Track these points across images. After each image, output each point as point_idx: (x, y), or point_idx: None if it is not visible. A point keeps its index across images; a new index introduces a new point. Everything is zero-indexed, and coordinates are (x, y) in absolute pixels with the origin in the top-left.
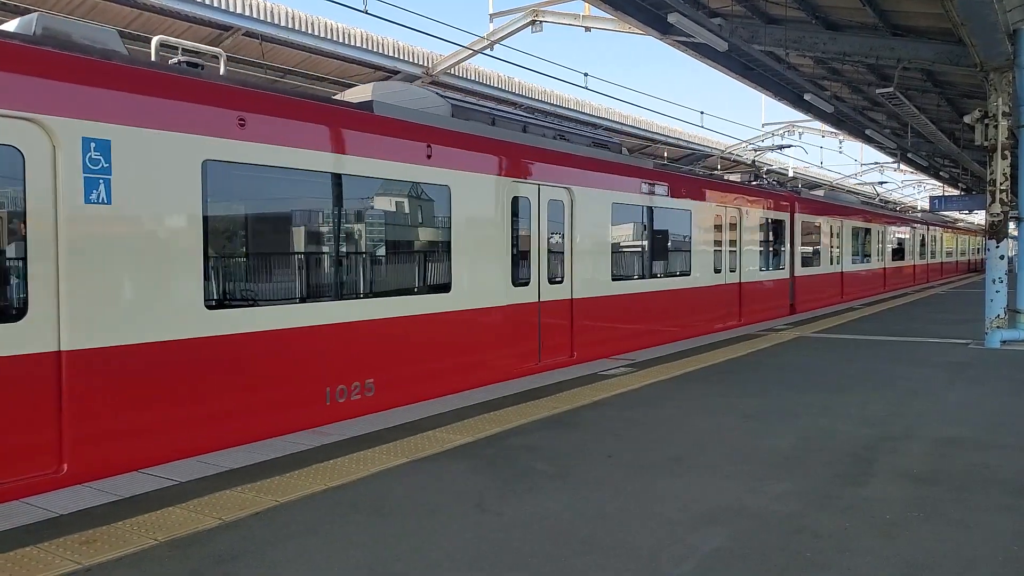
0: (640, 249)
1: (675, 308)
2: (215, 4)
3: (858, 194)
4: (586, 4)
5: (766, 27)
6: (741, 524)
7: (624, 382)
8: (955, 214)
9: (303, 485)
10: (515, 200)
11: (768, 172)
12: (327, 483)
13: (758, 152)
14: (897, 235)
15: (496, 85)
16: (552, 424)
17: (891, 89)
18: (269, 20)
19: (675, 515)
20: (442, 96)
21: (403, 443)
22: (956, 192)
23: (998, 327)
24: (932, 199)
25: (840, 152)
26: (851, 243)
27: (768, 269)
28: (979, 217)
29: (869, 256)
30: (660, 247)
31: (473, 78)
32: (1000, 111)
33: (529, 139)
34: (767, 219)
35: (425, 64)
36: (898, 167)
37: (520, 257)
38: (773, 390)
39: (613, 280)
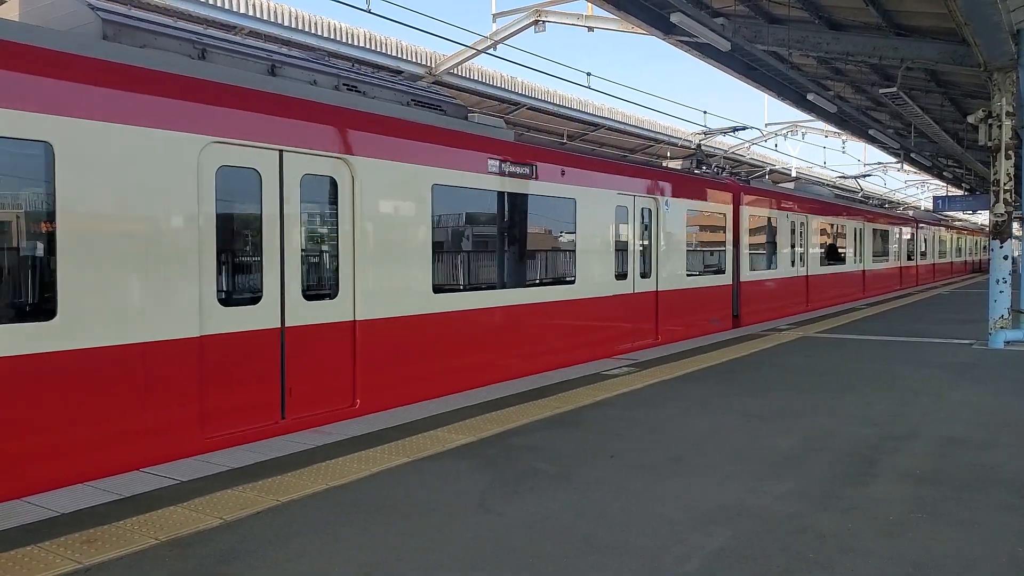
0: (490, 249)
1: (548, 326)
2: (219, 4)
3: (838, 188)
4: (589, 4)
5: (769, 27)
6: (743, 524)
7: (626, 382)
8: (954, 213)
9: (304, 484)
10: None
11: (727, 160)
12: (328, 482)
13: (706, 136)
14: (880, 234)
15: (499, 85)
16: (554, 424)
17: (894, 89)
18: (273, 20)
19: (677, 515)
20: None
21: (405, 443)
22: (960, 192)
23: (1002, 328)
24: (936, 199)
25: (843, 152)
26: (820, 242)
27: (701, 274)
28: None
29: (844, 257)
30: (523, 247)
31: (476, 78)
32: (1004, 111)
33: (285, 85)
34: (699, 212)
35: (428, 64)
36: (901, 167)
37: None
38: (775, 390)
39: (435, 292)
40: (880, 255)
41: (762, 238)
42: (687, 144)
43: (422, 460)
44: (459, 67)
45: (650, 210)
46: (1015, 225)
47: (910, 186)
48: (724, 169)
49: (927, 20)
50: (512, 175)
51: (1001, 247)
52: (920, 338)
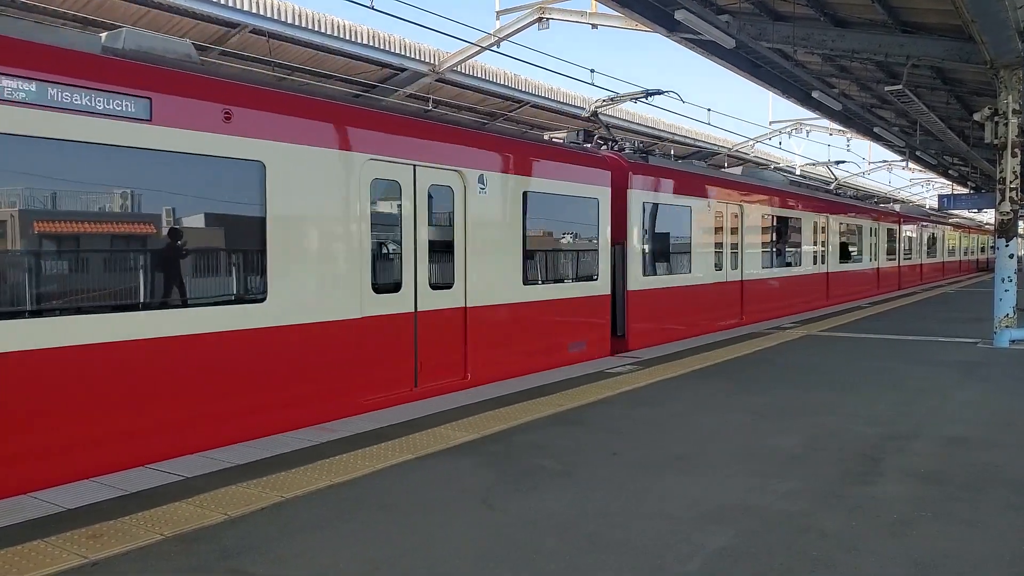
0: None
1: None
2: (222, 1)
3: (804, 177)
4: (593, 1)
5: (774, 24)
6: (747, 523)
7: (630, 380)
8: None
9: (308, 481)
10: None
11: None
12: (332, 479)
13: (607, 104)
14: (851, 230)
15: (503, 82)
16: (557, 421)
17: (900, 86)
18: (276, 17)
19: (681, 513)
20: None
21: (408, 440)
22: (965, 190)
23: (1007, 326)
24: (941, 197)
25: (848, 150)
26: (763, 239)
27: (554, 280)
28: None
29: (797, 258)
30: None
31: (480, 75)
32: (1010, 109)
33: None
34: (550, 195)
35: (432, 61)
36: (906, 165)
37: None
38: (779, 388)
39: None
40: (851, 254)
41: (673, 234)
42: (690, 142)
43: (425, 457)
44: (462, 64)
45: (452, 191)
46: (1021, 224)
47: (915, 184)
48: (617, 143)
49: (933, 17)
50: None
51: (1007, 245)
52: (925, 337)
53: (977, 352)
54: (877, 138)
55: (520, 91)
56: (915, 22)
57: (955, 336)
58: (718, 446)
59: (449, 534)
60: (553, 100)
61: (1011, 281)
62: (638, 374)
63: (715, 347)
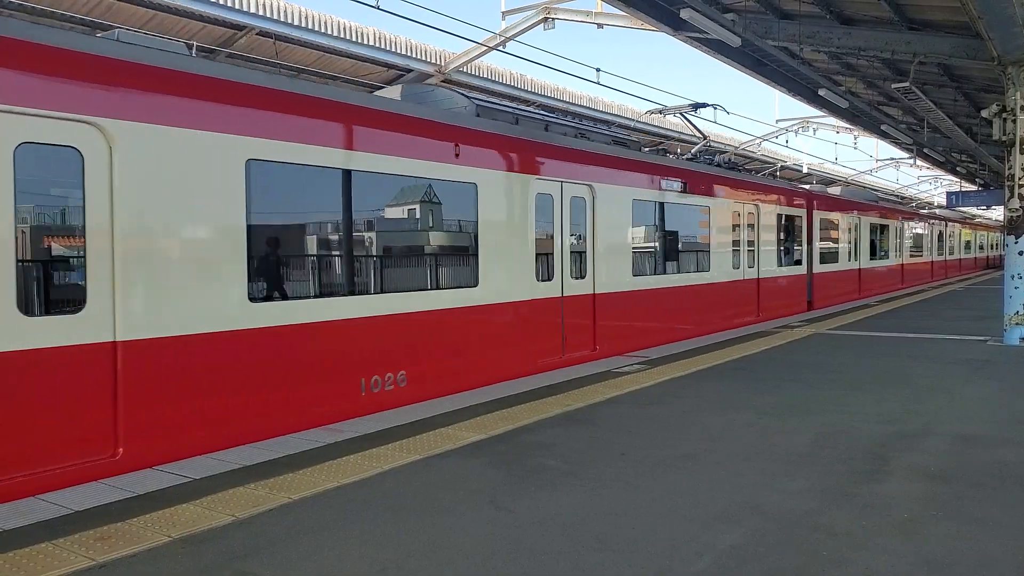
0: (669, 246)
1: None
2: (229, 4)
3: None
4: (598, 1)
5: (780, 22)
6: (756, 522)
7: (638, 379)
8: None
9: (316, 482)
10: None
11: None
12: (340, 480)
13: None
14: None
15: (509, 83)
16: (565, 421)
17: (907, 84)
18: (282, 19)
19: (689, 512)
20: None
21: (416, 440)
22: (973, 187)
23: (1017, 324)
24: (949, 195)
25: (855, 148)
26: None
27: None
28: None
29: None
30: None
31: (486, 76)
32: (1018, 105)
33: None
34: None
35: (437, 62)
36: (914, 163)
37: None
38: (788, 387)
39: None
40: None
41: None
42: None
43: (433, 457)
44: (468, 65)
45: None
46: None
47: (923, 181)
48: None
49: (939, 14)
50: (672, 190)
51: (1016, 242)
52: (933, 335)
53: (986, 350)
54: (884, 135)
55: (526, 91)
56: (921, 19)
57: (964, 334)
58: (726, 445)
59: (457, 535)
60: (559, 100)
61: (1021, 278)
62: (645, 373)
63: (722, 346)
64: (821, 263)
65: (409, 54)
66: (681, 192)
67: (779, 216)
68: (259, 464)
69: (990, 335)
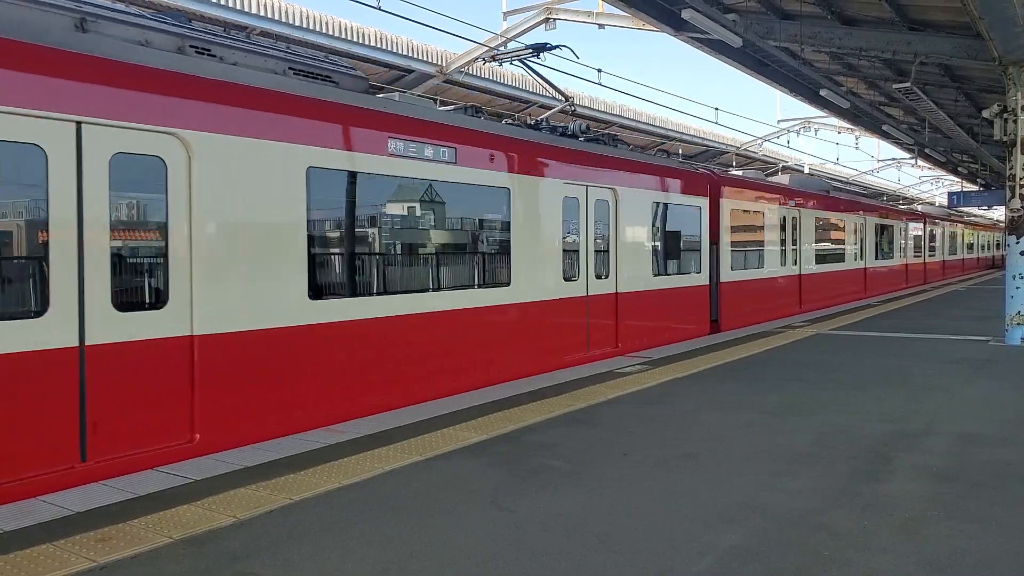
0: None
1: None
2: (230, 4)
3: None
4: (599, 1)
5: (781, 22)
6: (758, 522)
7: (639, 379)
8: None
9: (317, 483)
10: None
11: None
12: (341, 481)
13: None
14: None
15: (509, 83)
16: (567, 422)
17: (908, 84)
18: (284, 20)
19: (691, 512)
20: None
21: (417, 441)
22: (975, 188)
23: (1018, 324)
24: (951, 195)
25: (857, 148)
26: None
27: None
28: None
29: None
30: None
31: (487, 76)
32: (1019, 105)
33: None
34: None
35: (439, 63)
36: (915, 163)
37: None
38: (789, 387)
39: (654, 276)
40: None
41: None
42: (699, 141)
43: (434, 458)
44: (469, 66)
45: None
46: None
47: (924, 181)
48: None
49: (941, 14)
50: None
51: (1017, 242)
52: (935, 335)
53: (988, 349)
54: (886, 136)
55: (527, 91)
56: (923, 19)
57: (966, 334)
58: (728, 445)
59: (458, 535)
60: (560, 100)
61: (1022, 278)
62: (647, 374)
63: (723, 346)
64: (735, 269)
65: (410, 54)
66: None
67: (656, 206)
68: (260, 465)
69: (991, 335)
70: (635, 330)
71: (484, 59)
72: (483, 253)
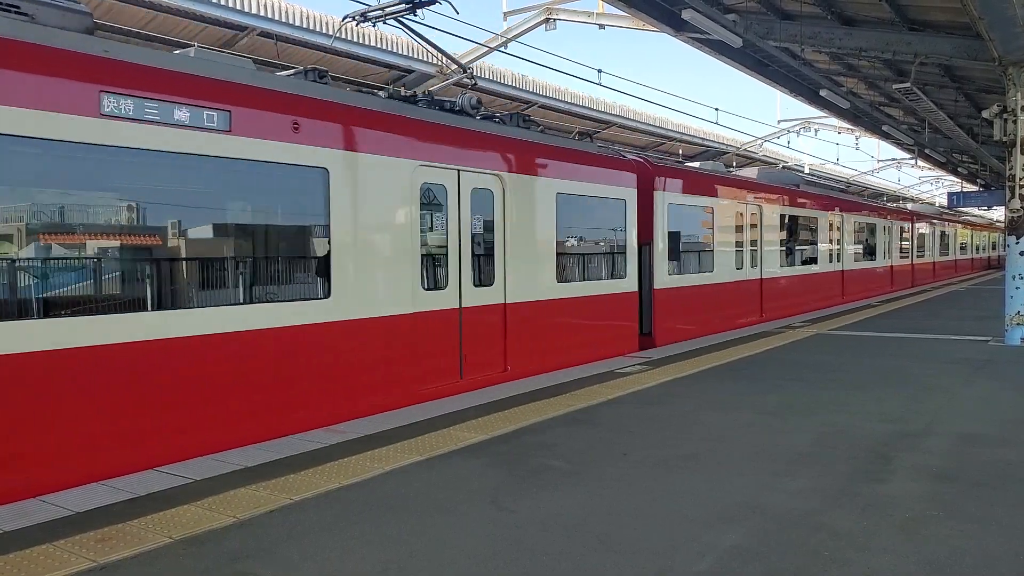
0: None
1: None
2: (230, 4)
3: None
4: (600, 1)
5: (781, 23)
6: (758, 522)
7: (640, 380)
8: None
9: (317, 483)
10: None
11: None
12: (341, 481)
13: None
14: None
15: (510, 83)
16: (567, 422)
17: (908, 84)
18: (284, 20)
19: (691, 512)
20: None
21: (417, 441)
22: (975, 188)
23: (1018, 324)
24: (950, 195)
25: (857, 148)
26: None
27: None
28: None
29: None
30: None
31: (487, 76)
32: (1019, 106)
33: None
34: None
35: (439, 63)
36: (915, 163)
37: None
38: (789, 387)
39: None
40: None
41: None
42: (699, 141)
43: (434, 458)
44: (470, 65)
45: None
46: None
47: (924, 182)
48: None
49: (941, 15)
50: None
51: (1017, 242)
52: (935, 335)
53: (988, 350)
54: (886, 136)
55: (527, 91)
56: (922, 20)
57: (966, 334)
58: (728, 445)
59: (458, 535)
60: (560, 100)
61: (1022, 279)
62: (647, 374)
63: (724, 346)
64: (676, 274)
65: (410, 55)
66: None
67: (561, 197)
68: (260, 465)
69: (991, 335)
70: (532, 349)
71: (353, 17)
72: (284, 257)
